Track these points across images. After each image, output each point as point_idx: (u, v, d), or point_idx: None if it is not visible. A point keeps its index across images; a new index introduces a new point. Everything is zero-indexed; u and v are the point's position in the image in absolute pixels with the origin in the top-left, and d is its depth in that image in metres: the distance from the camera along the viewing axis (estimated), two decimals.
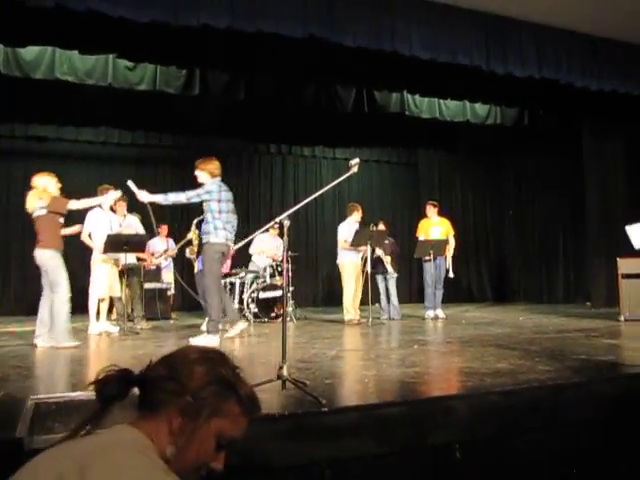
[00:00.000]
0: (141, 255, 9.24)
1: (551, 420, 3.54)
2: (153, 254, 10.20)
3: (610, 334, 6.87)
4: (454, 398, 3.39)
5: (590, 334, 6.81)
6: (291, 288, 9.62)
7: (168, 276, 10.56)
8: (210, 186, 6.44)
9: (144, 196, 6.51)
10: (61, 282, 6.14)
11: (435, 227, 9.72)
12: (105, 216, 7.98)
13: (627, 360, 4.93)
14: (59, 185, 6.66)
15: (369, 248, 8.89)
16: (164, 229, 10.53)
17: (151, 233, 8.44)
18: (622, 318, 8.31)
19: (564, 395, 3.64)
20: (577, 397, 3.67)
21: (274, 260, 9.97)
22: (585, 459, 3.48)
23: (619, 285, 8.59)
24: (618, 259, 8.77)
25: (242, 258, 10.40)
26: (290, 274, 9.85)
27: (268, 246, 10.05)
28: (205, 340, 6.07)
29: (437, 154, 14.79)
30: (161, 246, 10.33)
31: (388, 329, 8.22)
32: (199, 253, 8.06)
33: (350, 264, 9.15)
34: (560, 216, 13.14)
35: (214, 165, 6.64)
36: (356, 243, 8.84)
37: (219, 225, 6.33)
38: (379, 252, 9.43)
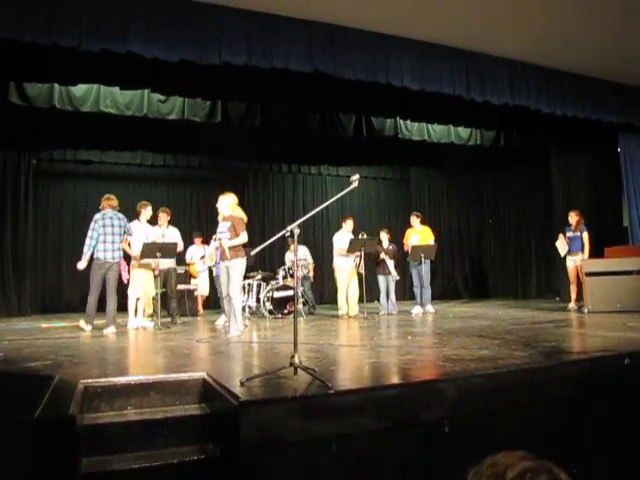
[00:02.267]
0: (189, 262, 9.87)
1: (526, 398, 3.54)
2: (192, 260, 10.28)
3: (576, 324, 6.85)
4: (443, 381, 3.38)
5: (559, 324, 6.79)
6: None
7: (205, 279, 10.49)
8: None
9: None
10: None
11: (414, 235, 9.76)
12: (141, 227, 8.00)
13: (591, 346, 4.91)
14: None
15: (362, 253, 8.94)
16: (200, 237, 10.47)
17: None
18: (586, 310, 8.29)
19: (537, 377, 3.63)
20: (548, 378, 3.66)
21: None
22: (555, 432, 3.47)
23: (583, 282, 8.58)
24: (583, 260, 8.78)
25: (258, 262, 10.43)
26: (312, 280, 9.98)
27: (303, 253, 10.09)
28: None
29: (426, 171, 14.77)
30: (199, 253, 10.26)
31: (385, 322, 8.20)
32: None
33: (343, 267, 9.25)
34: (532, 222, 13.13)
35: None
36: (352, 249, 8.91)
37: None
38: (384, 256, 9.49)
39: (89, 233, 7.19)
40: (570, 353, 4.38)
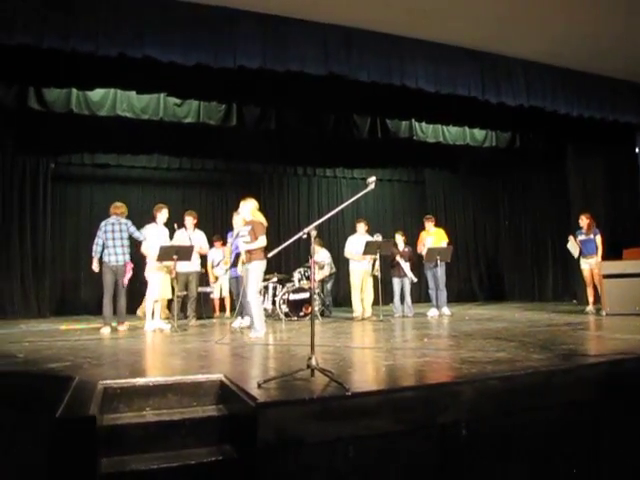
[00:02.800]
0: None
1: (544, 401, 3.52)
2: (213, 264, 10.34)
3: (594, 327, 6.79)
4: (460, 383, 3.37)
5: (576, 327, 6.74)
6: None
7: (225, 282, 10.47)
8: None
9: None
10: None
11: (429, 237, 9.73)
12: (157, 230, 8.05)
13: (608, 349, 4.86)
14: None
15: (378, 255, 8.94)
16: (220, 241, 10.43)
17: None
18: (604, 313, 8.22)
19: (555, 379, 3.61)
20: (566, 381, 3.64)
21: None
22: (574, 434, 3.45)
23: (601, 284, 8.51)
24: (601, 262, 8.71)
25: (275, 264, 10.45)
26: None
27: (324, 256, 10.10)
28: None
29: (441, 173, 14.72)
30: (219, 257, 10.23)
31: (401, 325, 8.18)
32: (233, 264, 8.23)
33: (356, 270, 9.34)
34: (549, 225, 13.00)
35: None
36: (368, 252, 8.94)
37: None
38: (399, 259, 9.49)
39: (95, 239, 7.79)
40: (588, 356, 4.34)
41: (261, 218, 6.80)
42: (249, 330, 6.77)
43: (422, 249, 9.66)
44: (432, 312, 9.46)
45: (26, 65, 7.06)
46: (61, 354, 5.13)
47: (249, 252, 6.55)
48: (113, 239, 7.68)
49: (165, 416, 3.35)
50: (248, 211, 6.84)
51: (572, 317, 8.24)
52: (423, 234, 9.90)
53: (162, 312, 8.21)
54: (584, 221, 9.21)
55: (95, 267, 7.73)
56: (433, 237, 9.71)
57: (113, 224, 7.74)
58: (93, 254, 7.72)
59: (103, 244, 7.69)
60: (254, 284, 6.49)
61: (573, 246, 9.29)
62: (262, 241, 6.55)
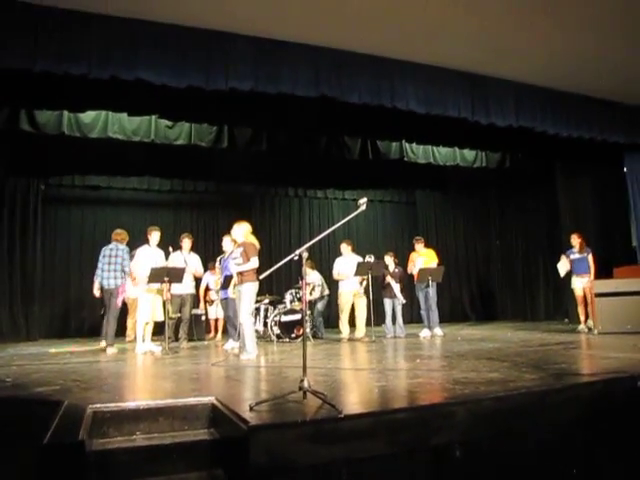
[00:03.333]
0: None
1: (538, 421, 3.50)
2: (208, 287, 10.31)
3: (586, 346, 6.80)
4: (453, 404, 3.35)
5: (569, 346, 6.74)
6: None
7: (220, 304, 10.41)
8: None
9: None
10: None
11: (420, 258, 9.76)
12: (149, 252, 8.05)
13: (601, 368, 4.86)
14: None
15: (369, 277, 8.95)
16: (216, 266, 10.34)
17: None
18: (596, 332, 8.23)
19: (548, 399, 3.60)
20: (559, 401, 3.63)
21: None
22: (566, 454, 3.43)
23: (593, 303, 8.53)
24: (592, 280, 8.75)
25: (266, 286, 10.42)
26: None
27: (315, 278, 10.09)
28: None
29: (432, 194, 14.82)
30: (213, 280, 10.06)
31: (394, 346, 8.15)
32: (223, 285, 8.24)
33: (344, 292, 9.39)
34: (540, 243, 13.07)
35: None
36: (359, 273, 8.94)
37: None
38: (389, 279, 9.49)
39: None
40: (581, 375, 4.34)
41: (254, 241, 6.81)
42: (240, 352, 6.73)
43: (413, 269, 9.69)
44: (424, 333, 9.45)
45: (18, 87, 7.08)
46: (50, 377, 5.07)
47: (241, 274, 6.56)
48: (109, 263, 7.91)
49: (156, 440, 3.30)
50: (241, 233, 6.86)
51: (564, 336, 8.24)
52: (413, 255, 9.94)
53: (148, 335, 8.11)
54: (576, 240, 9.29)
55: (96, 292, 8.06)
56: (424, 258, 9.74)
57: (111, 249, 7.99)
58: (95, 278, 8.07)
59: (102, 268, 7.96)
60: (247, 306, 6.48)
61: (563, 265, 9.35)
62: (254, 263, 6.56)
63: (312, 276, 9.92)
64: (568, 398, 3.66)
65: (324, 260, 12.89)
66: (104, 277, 7.89)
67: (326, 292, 10.15)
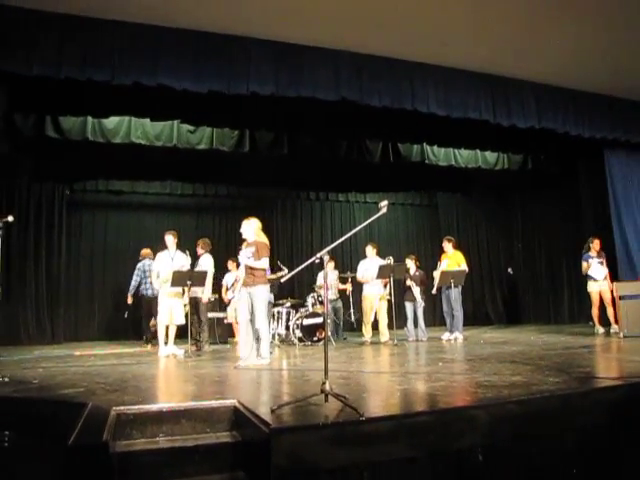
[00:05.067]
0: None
1: (561, 425, 3.46)
2: (227, 287, 10.32)
3: (611, 349, 6.69)
4: (475, 408, 3.32)
5: (593, 349, 6.65)
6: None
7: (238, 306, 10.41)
8: None
9: None
10: None
11: (445, 260, 9.65)
12: (167, 255, 8.06)
13: (626, 371, 4.78)
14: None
15: (391, 280, 8.93)
16: (234, 264, 10.12)
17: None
18: (621, 335, 8.11)
19: (572, 403, 3.55)
20: (583, 405, 3.58)
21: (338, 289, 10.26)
22: (592, 460, 3.38)
23: (617, 306, 8.41)
24: (615, 283, 8.63)
25: (288, 289, 10.43)
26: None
27: (330, 278, 10.12)
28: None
29: (454, 196, 14.71)
30: (232, 279, 10.01)
31: (416, 349, 8.11)
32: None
33: (367, 295, 9.33)
34: (563, 246, 12.87)
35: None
36: (381, 275, 8.90)
37: None
38: (410, 283, 9.45)
39: (133, 277, 9.66)
40: (606, 379, 4.27)
41: (265, 239, 6.53)
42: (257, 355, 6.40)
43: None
44: (446, 336, 9.36)
45: (43, 94, 7.22)
46: (75, 380, 5.13)
47: (253, 275, 6.26)
48: (148, 277, 9.21)
49: (178, 442, 3.33)
50: (252, 231, 6.49)
51: (589, 339, 8.13)
52: (443, 256, 9.81)
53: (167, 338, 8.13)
54: (597, 245, 9.20)
55: (129, 300, 9.70)
56: (449, 260, 9.64)
57: (149, 265, 9.17)
58: (130, 288, 9.67)
59: (140, 281, 9.54)
60: (261, 309, 6.23)
61: (596, 268, 9.22)
62: (265, 263, 6.28)
63: (330, 275, 9.95)
64: (592, 402, 3.61)
65: (345, 263, 12.89)
66: (146, 288, 9.42)
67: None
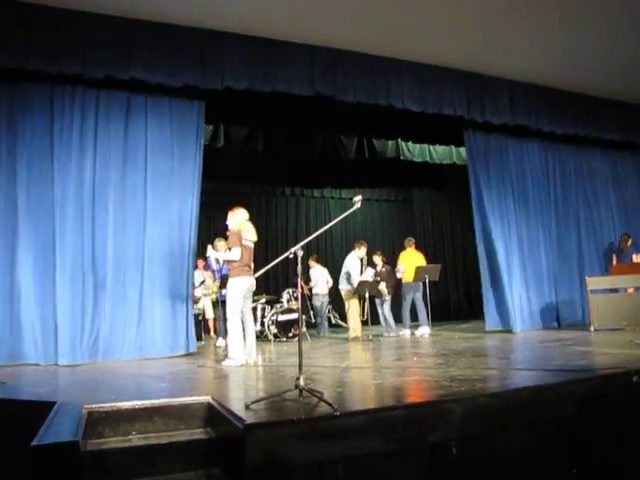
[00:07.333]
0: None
1: (534, 417, 3.50)
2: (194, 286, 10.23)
3: (583, 342, 6.80)
4: (449, 401, 3.34)
5: (565, 343, 6.74)
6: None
7: (208, 303, 10.47)
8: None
9: None
10: None
11: (402, 263, 9.53)
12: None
13: (598, 364, 4.87)
14: None
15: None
16: (200, 263, 10.19)
17: None
18: (592, 329, 8.23)
19: (545, 395, 3.60)
20: (556, 396, 3.63)
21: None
22: (564, 450, 3.43)
23: (588, 300, 8.55)
24: (586, 277, 8.78)
25: (263, 285, 10.38)
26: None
27: (320, 276, 10.11)
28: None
29: (429, 192, 14.80)
30: (199, 278, 9.99)
31: (389, 344, 8.13)
32: (221, 285, 8.17)
33: (347, 290, 9.24)
34: None
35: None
36: (358, 291, 8.89)
37: None
38: (375, 278, 9.43)
39: None
40: (578, 371, 4.34)
41: (246, 228, 6.02)
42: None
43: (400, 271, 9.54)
44: (420, 331, 9.36)
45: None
46: (44, 378, 5.05)
47: (229, 267, 5.94)
48: None
49: (152, 440, 3.30)
50: (235, 222, 6.01)
51: (562, 333, 8.25)
52: (402, 255, 9.80)
53: None
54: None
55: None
56: (408, 262, 9.57)
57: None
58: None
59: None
60: (230, 304, 5.76)
61: None
62: (234, 254, 5.75)
63: (316, 269, 9.99)
64: (565, 394, 3.66)
65: (321, 258, 12.88)
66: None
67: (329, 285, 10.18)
